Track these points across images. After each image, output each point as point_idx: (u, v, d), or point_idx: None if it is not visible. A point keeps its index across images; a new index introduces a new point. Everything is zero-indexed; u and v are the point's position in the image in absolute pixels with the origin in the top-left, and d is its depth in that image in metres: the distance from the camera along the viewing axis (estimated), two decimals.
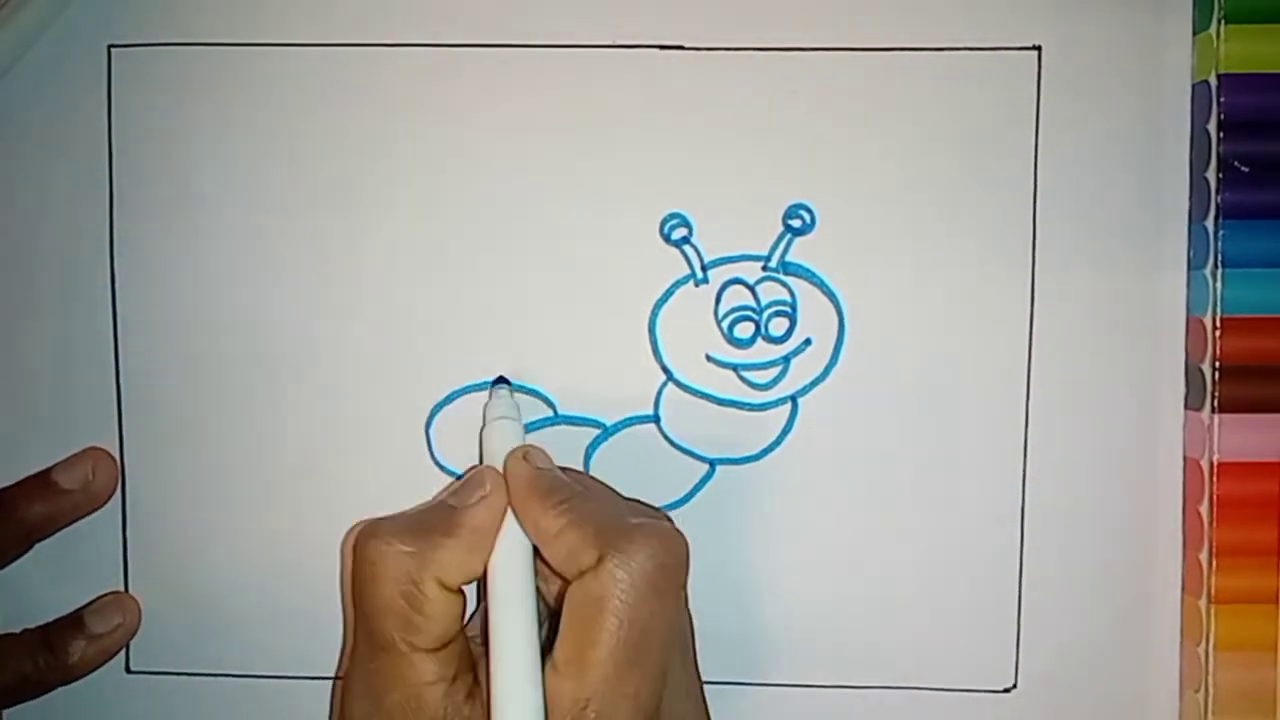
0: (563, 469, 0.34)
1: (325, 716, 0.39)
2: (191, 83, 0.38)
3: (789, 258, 0.38)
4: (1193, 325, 0.37)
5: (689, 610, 0.34)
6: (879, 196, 0.37)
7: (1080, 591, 0.38)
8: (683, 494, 0.38)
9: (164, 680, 0.39)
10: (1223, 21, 0.36)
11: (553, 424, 0.38)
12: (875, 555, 0.38)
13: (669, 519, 0.33)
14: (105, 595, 0.39)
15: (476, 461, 0.37)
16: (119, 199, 0.38)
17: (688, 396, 0.38)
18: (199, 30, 0.38)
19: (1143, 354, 0.38)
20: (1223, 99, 0.36)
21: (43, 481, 0.38)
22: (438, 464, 0.38)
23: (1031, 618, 0.38)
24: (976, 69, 0.37)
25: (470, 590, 0.33)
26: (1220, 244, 0.36)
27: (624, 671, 0.29)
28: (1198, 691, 0.37)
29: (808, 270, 0.38)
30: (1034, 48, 0.37)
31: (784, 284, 0.38)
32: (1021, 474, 0.38)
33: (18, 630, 0.38)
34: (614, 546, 0.30)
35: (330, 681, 0.39)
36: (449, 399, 0.38)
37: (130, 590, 0.39)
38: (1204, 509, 0.37)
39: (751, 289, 0.38)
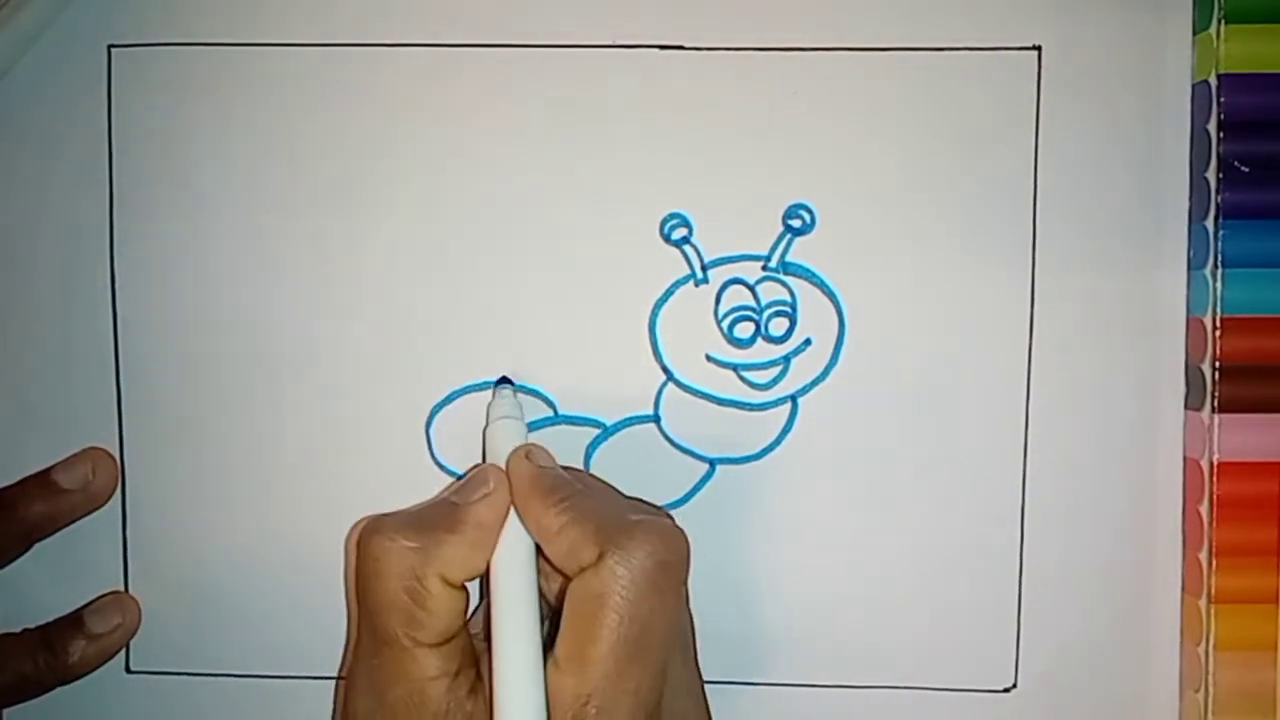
0: (565, 468, 0.34)
1: (326, 716, 0.39)
2: (191, 83, 0.38)
3: (789, 258, 0.38)
4: (1193, 325, 0.37)
5: (690, 608, 0.34)
6: (879, 196, 0.38)
7: (1080, 591, 0.38)
8: (683, 494, 0.38)
9: (164, 680, 0.39)
10: (1223, 21, 0.36)
11: (553, 424, 0.38)
12: (875, 555, 0.38)
13: (670, 517, 0.33)
14: (105, 595, 0.39)
15: (477, 461, 0.37)
16: (119, 199, 0.38)
17: (688, 396, 0.38)
18: (199, 30, 0.38)
19: (1143, 354, 0.38)
20: (1223, 99, 0.36)
21: (43, 481, 0.38)
22: (438, 464, 0.38)
23: (1031, 617, 0.38)
24: (976, 69, 0.37)
25: (473, 587, 0.33)
26: (1220, 244, 0.36)
27: (624, 668, 0.29)
28: (1198, 691, 0.37)
29: (808, 270, 0.38)
30: (1034, 48, 0.37)
31: (784, 284, 0.38)
32: (1021, 474, 0.38)
33: (18, 630, 0.38)
34: (614, 543, 0.30)
35: (330, 681, 0.39)
36: (449, 399, 0.38)
37: (130, 590, 0.39)
38: (1204, 509, 0.37)
39: (751, 289, 0.38)
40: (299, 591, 0.39)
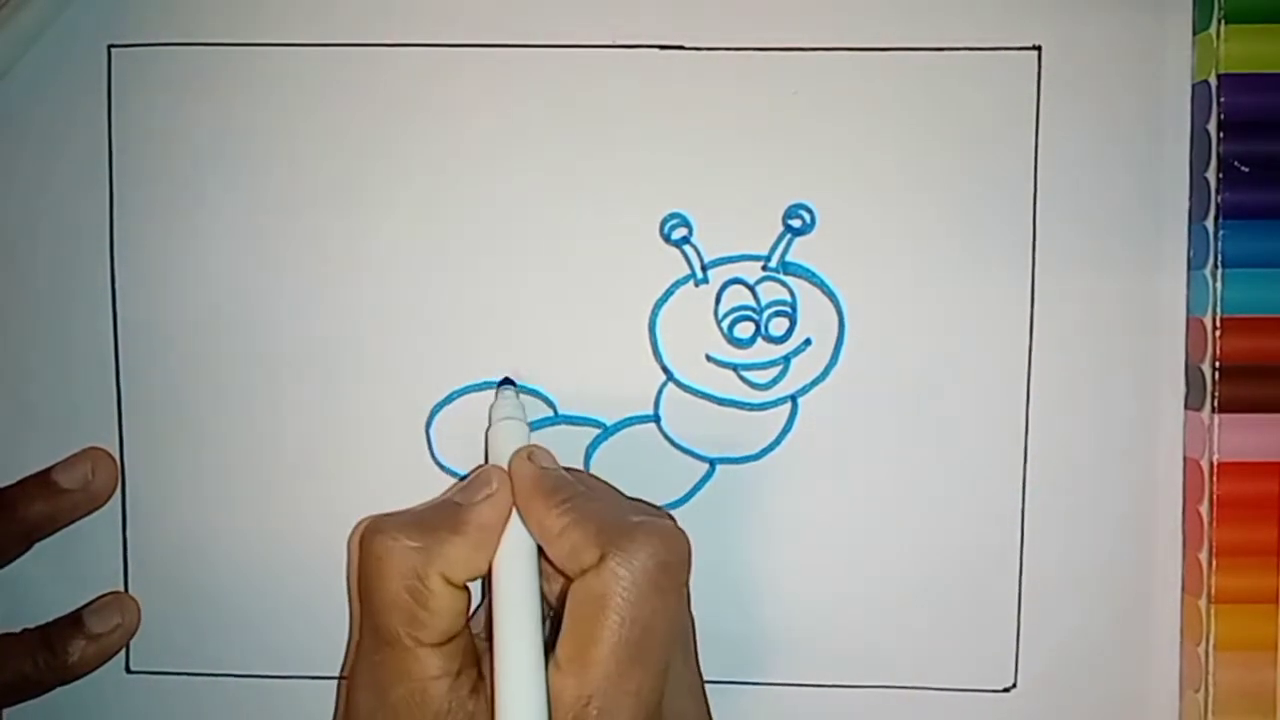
0: (566, 469, 0.34)
1: (326, 716, 0.39)
2: (191, 83, 0.38)
3: (789, 258, 0.38)
4: (1193, 325, 0.37)
5: (691, 608, 0.34)
6: (879, 196, 0.38)
7: (1080, 591, 0.38)
8: (683, 493, 0.38)
9: (164, 680, 0.39)
10: (1223, 21, 0.36)
11: (553, 424, 0.38)
12: (875, 555, 0.38)
13: (671, 518, 0.33)
14: (105, 595, 0.39)
15: (477, 461, 0.37)
16: (119, 199, 0.38)
17: (688, 396, 0.38)
18: (199, 30, 0.38)
19: (1143, 354, 0.38)
20: (1223, 99, 0.36)
21: (43, 481, 0.38)
22: (438, 464, 0.38)
23: (1031, 618, 0.38)
24: (976, 69, 0.37)
25: (474, 587, 0.33)
26: (1220, 244, 0.36)
27: (626, 669, 0.30)
28: (1198, 691, 0.37)
29: (808, 270, 0.38)
30: (1034, 48, 0.37)
31: (784, 284, 0.38)
32: (1021, 474, 0.38)
33: (18, 630, 0.38)
34: (616, 545, 0.30)
35: (331, 681, 0.39)
36: (449, 399, 0.38)
37: (130, 590, 0.39)
38: (1204, 509, 0.37)
39: (751, 289, 0.38)
40: (299, 591, 0.39)
